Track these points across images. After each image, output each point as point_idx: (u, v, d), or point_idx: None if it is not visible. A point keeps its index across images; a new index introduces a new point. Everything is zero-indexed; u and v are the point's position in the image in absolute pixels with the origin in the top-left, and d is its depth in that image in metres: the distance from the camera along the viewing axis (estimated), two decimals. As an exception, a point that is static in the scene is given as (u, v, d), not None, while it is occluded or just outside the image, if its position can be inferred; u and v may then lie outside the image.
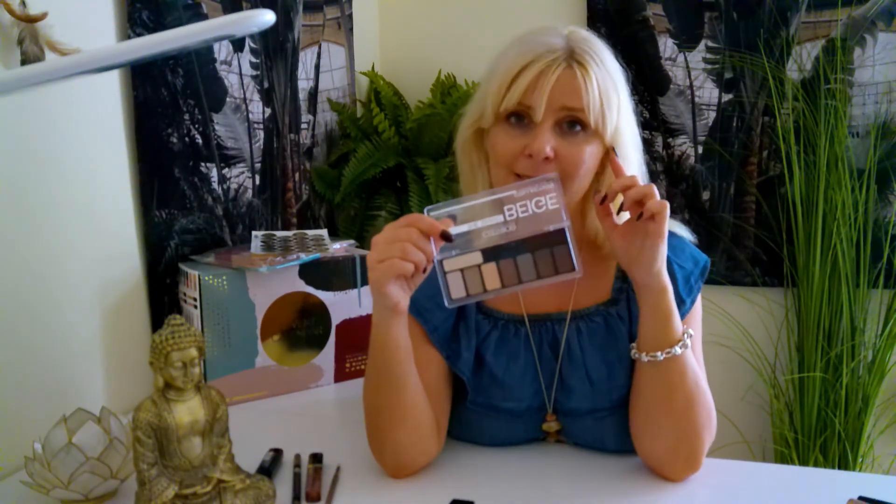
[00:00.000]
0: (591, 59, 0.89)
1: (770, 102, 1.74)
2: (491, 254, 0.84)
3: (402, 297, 0.84)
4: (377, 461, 0.96)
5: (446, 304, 0.85)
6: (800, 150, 1.71)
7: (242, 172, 1.47)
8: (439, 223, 0.82)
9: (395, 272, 0.81)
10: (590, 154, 0.90)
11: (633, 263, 0.85)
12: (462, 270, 0.84)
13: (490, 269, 0.84)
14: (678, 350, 0.87)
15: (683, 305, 0.94)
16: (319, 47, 1.74)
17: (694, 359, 0.91)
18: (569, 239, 0.82)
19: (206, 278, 1.22)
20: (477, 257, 0.84)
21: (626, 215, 0.85)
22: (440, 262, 0.84)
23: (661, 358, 0.87)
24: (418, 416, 0.92)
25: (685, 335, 0.89)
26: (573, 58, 0.88)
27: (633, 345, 0.91)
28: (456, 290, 0.84)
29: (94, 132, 1.15)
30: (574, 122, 0.89)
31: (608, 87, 0.89)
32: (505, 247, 0.84)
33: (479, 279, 0.84)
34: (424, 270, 0.83)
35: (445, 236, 0.82)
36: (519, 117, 0.90)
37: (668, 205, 0.81)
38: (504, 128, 0.91)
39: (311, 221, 1.72)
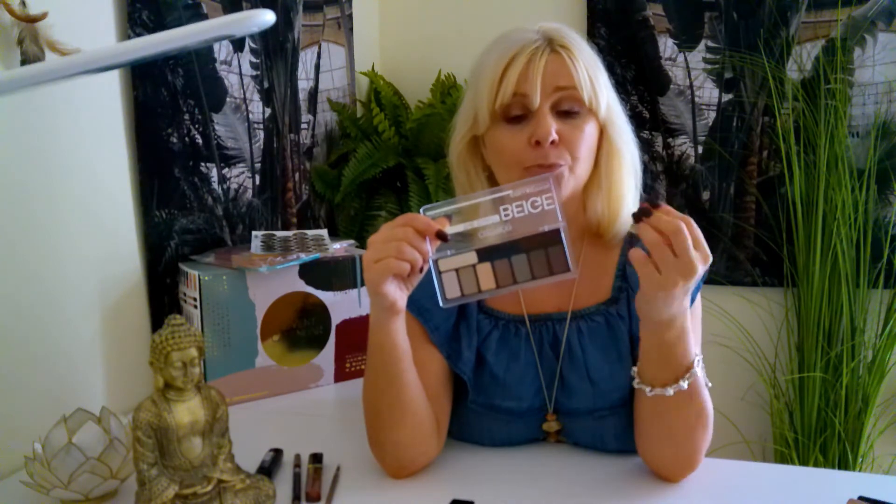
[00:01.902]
0: (570, 41, 0.92)
1: (770, 102, 1.74)
2: (486, 254, 0.84)
3: (398, 296, 0.84)
4: (377, 461, 0.96)
5: (441, 303, 0.84)
6: (800, 150, 1.71)
7: (242, 172, 1.47)
8: (435, 223, 0.82)
9: (391, 271, 0.81)
10: (590, 133, 0.92)
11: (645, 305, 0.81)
12: (457, 270, 0.84)
13: (485, 269, 0.84)
14: (684, 385, 0.84)
15: (683, 305, 0.94)
16: (319, 47, 1.74)
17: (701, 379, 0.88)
18: (564, 240, 0.82)
19: (206, 278, 1.22)
20: (472, 257, 0.84)
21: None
22: (435, 261, 0.84)
23: (671, 393, 0.84)
24: (418, 415, 0.92)
25: (696, 360, 0.84)
26: (554, 43, 0.91)
27: (635, 369, 0.89)
28: (451, 289, 0.84)
29: (94, 132, 1.15)
30: (569, 106, 0.91)
31: (593, 66, 0.92)
32: (500, 247, 0.83)
33: (474, 279, 0.84)
34: (421, 270, 0.83)
35: (441, 236, 0.81)
36: (516, 117, 0.91)
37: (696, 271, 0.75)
38: (502, 126, 0.92)
39: (311, 221, 1.72)
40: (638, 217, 0.77)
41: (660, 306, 0.79)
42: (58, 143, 1.08)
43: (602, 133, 0.94)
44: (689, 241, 0.74)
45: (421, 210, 0.83)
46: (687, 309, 0.82)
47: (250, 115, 1.49)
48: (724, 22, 1.76)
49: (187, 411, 0.81)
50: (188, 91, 1.32)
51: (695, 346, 0.86)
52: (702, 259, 0.76)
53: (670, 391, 0.84)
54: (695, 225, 0.76)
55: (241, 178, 1.47)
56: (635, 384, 0.88)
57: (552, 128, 0.88)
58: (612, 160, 0.95)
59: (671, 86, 1.83)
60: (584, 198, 0.98)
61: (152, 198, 1.26)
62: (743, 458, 1.04)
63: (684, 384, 0.84)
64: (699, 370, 0.85)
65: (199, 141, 1.36)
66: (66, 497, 0.87)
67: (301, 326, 1.33)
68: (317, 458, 0.99)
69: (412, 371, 0.91)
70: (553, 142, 0.88)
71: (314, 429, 1.16)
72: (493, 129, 0.93)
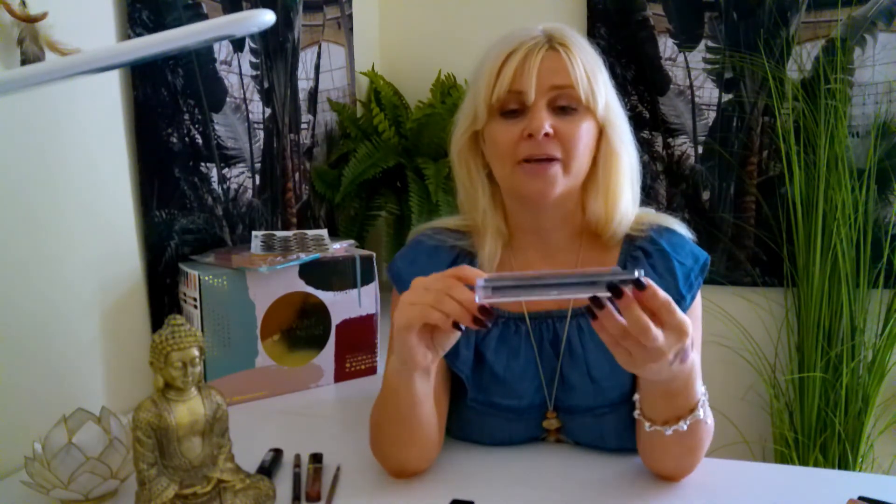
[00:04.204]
0: (570, 40, 0.92)
1: (770, 102, 1.74)
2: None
3: (421, 354, 0.79)
4: (378, 463, 0.96)
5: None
6: (800, 150, 1.71)
7: (242, 172, 1.47)
8: (484, 301, 0.73)
9: (423, 319, 0.76)
10: (586, 130, 0.92)
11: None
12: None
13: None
14: (684, 426, 0.83)
15: (683, 302, 0.94)
16: (319, 47, 1.74)
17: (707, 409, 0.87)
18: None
19: (206, 278, 1.22)
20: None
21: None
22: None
23: (670, 433, 0.84)
24: (425, 439, 0.92)
25: (700, 402, 0.83)
26: (553, 41, 0.91)
27: (637, 397, 0.88)
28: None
29: (94, 132, 1.15)
30: (565, 103, 0.91)
31: (591, 64, 0.92)
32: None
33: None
34: (457, 326, 0.76)
35: (483, 314, 0.75)
36: (512, 112, 0.92)
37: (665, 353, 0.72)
38: (499, 121, 0.93)
39: (311, 221, 1.72)
40: (591, 314, 0.72)
41: (651, 375, 0.77)
42: (58, 143, 1.08)
43: (600, 133, 0.95)
44: (654, 333, 0.70)
45: (478, 281, 0.73)
46: (690, 361, 0.78)
47: (250, 115, 1.49)
48: (724, 22, 1.76)
49: (187, 411, 0.81)
50: (188, 91, 1.32)
51: (701, 386, 0.84)
52: (676, 337, 0.72)
53: (669, 431, 0.84)
54: (662, 298, 0.70)
55: (241, 178, 1.47)
56: (635, 415, 0.88)
57: (546, 121, 0.89)
58: (609, 160, 0.95)
59: (671, 86, 1.83)
60: (582, 198, 0.98)
61: (152, 198, 1.26)
62: (743, 458, 1.04)
63: (684, 425, 0.83)
64: (701, 412, 0.84)
65: (199, 141, 1.36)
66: (66, 497, 0.87)
67: (301, 326, 1.33)
68: (317, 458, 0.99)
69: (427, 407, 0.89)
70: (547, 134, 0.89)
71: (314, 429, 1.16)
72: (490, 123, 0.94)
